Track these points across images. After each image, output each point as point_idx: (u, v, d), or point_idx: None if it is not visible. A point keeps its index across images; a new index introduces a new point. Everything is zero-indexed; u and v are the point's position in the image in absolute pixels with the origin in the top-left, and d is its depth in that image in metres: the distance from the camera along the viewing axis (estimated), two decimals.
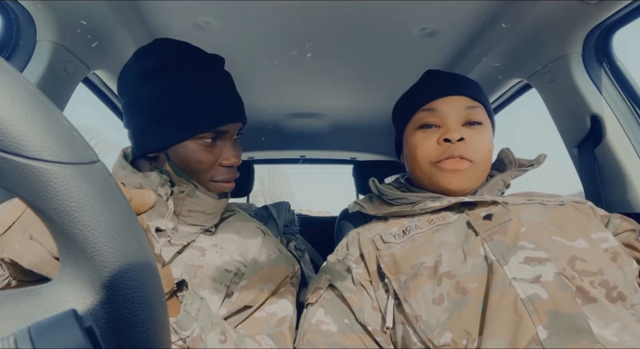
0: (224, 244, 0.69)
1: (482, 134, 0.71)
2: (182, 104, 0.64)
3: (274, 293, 0.67)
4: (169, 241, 0.64)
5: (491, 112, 0.77)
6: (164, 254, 0.60)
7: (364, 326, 0.61)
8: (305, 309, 0.67)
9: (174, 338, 0.48)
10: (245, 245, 0.71)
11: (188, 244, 0.66)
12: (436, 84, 0.76)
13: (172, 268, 0.56)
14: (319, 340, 0.60)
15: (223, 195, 0.73)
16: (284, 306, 0.67)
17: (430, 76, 0.80)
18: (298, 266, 0.77)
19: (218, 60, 0.72)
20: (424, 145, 0.72)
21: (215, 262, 0.66)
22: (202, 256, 0.66)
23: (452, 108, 0.72)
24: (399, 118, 0.82)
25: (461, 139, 0.69)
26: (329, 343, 0.59)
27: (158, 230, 0.64)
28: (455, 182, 0.69)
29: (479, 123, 0.72)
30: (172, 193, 0.65)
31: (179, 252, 0.65)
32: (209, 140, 0.66)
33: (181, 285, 0.51)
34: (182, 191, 0.66)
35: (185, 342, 0.48)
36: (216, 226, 0.73)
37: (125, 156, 0.71)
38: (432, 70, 0.82)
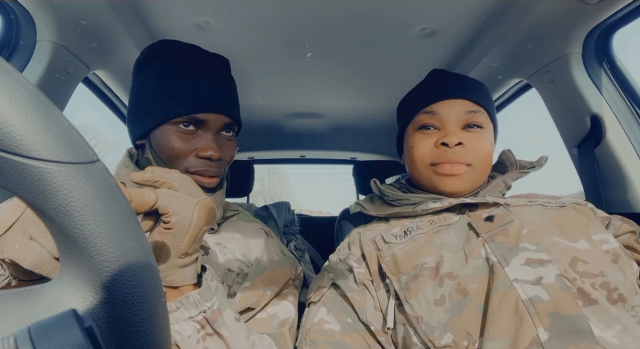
0: (227, 243, 0.69)
1: (481, 138, 0.71)
2: (159, 91, 0.66)
3: (276, 295, 0.67)
4: None
5: (494, 116, 0.76)
6: None
7: (366, 326, 0.61)
8: (307, 308, 0.67)
9: (194, 312, 0.47)
10: (249, 245, 0.71)
11: None
12: (438, 86, 0.75)
13: None
14: (321, 339, 0.60)
15: (215, 189, 0.72)
16: (286, 308, 0.67)
17: (434, 76, 0.80)
18: (301, 268, 0.77)
19: (212, 57, 0.72)
20: (421, 146, 0.72)
21: (218, 261, 0.66)
22: (205, 254, 0.66)
23: (452, 112, 0.71)
24: (401, 118, 0.82)
25: (459, 144, 0.68)
26: (332, 342, 0.59)
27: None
28: (451, 185, 0.69)
29: (480, 127, 0.71)
30: None
31: None
32: (186, 128, 0.65)
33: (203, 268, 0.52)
34: None
35: (205, 313, 0.48)
36: (219, 225, 0.73)
37: (130, 155, 0.73)
38: (437, 70, 0.81)
